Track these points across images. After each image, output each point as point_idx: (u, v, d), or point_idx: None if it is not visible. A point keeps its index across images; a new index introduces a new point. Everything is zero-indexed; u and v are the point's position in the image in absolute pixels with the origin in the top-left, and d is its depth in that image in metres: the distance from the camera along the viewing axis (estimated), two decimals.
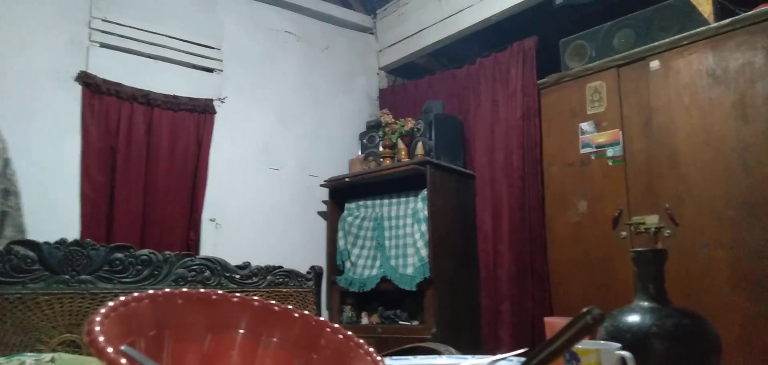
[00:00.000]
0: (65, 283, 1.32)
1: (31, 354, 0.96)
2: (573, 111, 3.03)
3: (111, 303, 0.51)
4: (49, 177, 2.76)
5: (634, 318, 1.07)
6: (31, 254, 1.30)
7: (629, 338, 1.04)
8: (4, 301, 1.21)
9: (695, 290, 2.45)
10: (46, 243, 1.33)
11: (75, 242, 1.38)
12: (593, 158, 2.91)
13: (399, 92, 4.29)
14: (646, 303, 1.10)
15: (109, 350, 0.42)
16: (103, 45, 3.02)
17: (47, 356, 0.91)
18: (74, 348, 1.27)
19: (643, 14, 2.85)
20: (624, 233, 2.73)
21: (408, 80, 4.39)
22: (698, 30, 2.60)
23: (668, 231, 2.56)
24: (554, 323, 1.22)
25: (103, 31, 3.03)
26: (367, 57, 4.41)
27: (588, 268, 2.86)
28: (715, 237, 2.45)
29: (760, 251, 2.31)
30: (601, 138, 2.89)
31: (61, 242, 1.36)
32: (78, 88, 2.90)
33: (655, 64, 2.73)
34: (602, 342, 1.05)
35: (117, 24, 3.08)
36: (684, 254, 2.51)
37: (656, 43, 2.73)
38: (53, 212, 2.72)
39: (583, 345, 0.98)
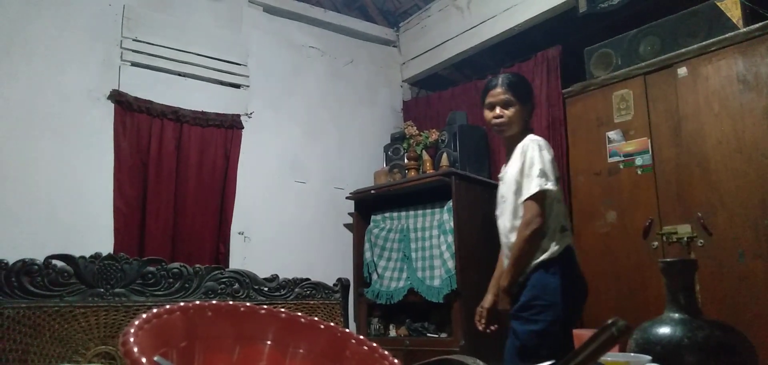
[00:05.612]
0: (100, 296, 1.36)
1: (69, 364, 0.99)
2: (599, 120, 3.00)
3: (144, 315, 0.53)
4: (84, 192, 2.85)
5: (664, 330, 1.05)
6: (67, 268, 1.35)
7: (660, 350, 1.02)
8: (42, 314, 1.26)
9: (730, 301, 2.39)
10: (82, 257, 1.37)
11: (109, 257, 1.42)
12: (621, 166, 2.87)
13: (423, 104, 4.30)
14: (676, 315, 1.08)
15: (143, 360, 0.44)
16: (134, 64, 3.11)
17: None
18: (109, 359, 1.30)
19: (669, 21, 2.81)
20: (655, 243, 2.68)
21: (431, 92, 4.39)
22: (727, 35, 2.55)
23: (701, 241, 2.50)
24: (583, 335, 1.20)
25: (134, 51, 3.12)
26: (391, 70, 4.44)
27: (618, 279, 2.80)
28: (751, 247, 2.38)
29: None
30: (629, 147, 2.85)
31: (96, 256, 1.40)
32: (110, 106, 2.99)
33: (682, 70, 2.68)
34: (632, 354, 1.04)
35: (147, 43, 3.17)
36: (719, 264, 2.45)
37: (683, 50, 2.69)
38: (88, 226, 2.81)
39: (612, 357, 0.96)
